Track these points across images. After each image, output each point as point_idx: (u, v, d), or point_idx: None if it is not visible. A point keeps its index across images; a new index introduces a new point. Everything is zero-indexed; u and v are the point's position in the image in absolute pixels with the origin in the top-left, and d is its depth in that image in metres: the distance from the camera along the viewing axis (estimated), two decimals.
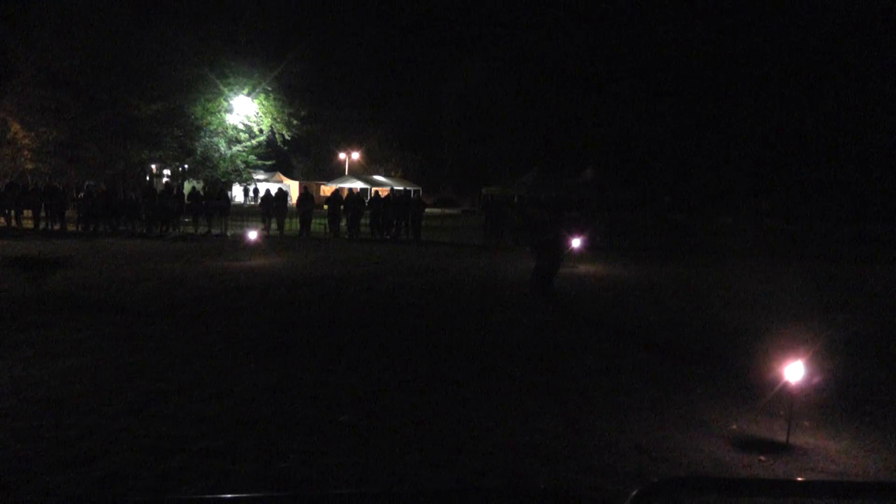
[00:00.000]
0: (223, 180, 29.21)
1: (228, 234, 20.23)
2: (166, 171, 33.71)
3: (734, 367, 6.30)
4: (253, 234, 15.08)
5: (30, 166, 28.23)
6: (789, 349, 4.67)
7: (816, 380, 5.34)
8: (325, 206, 22.64)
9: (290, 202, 24.90)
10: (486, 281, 11.98)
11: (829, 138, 37.36)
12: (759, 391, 5.46)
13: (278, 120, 29.22)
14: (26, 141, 27.64)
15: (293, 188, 43.89)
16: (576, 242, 14.81)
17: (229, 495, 1.29)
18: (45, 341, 6.49)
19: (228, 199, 23.39)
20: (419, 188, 45.69)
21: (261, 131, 29.48)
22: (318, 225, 22.30)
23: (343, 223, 21.83)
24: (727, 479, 3.60)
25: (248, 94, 28.50)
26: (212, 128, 28.15)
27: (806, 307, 10.11)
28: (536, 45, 51.71)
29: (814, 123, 37.82)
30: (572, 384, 5.68)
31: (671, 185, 38.55)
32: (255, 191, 44.95)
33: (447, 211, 43.09)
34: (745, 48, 42.32)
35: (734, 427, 4.76)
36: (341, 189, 29.24)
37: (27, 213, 20.84)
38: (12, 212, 20.78)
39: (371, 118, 53.94)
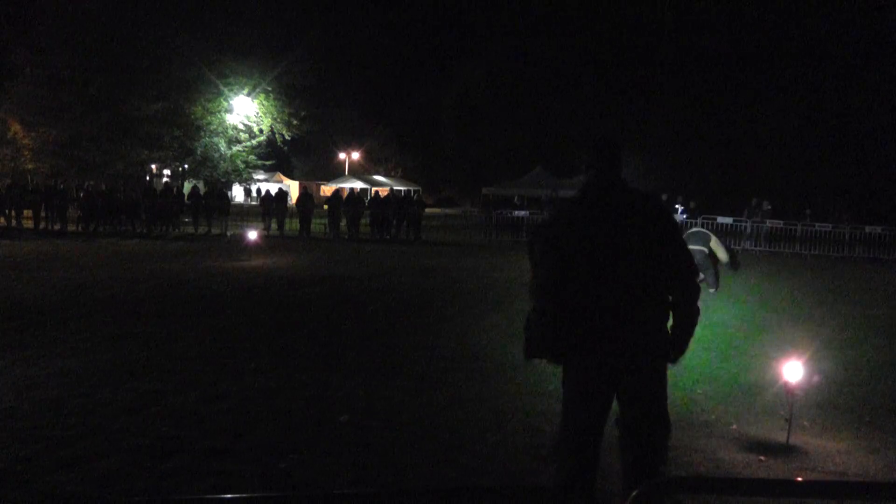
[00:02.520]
0: (223, 180, 29.22)
1: (228, 234, 20.24)
2: (166, 171, 33.72)
3: (734, 366, 6.30)
4: (253, 234, 15.08)
5: (30, 166, 28.23)
6: (789, 348, 4.67)
7: (816, 379, 5.34)
8: (325, 206, 22.65)
9: (290, 202, 24.91)
10: (486, 280, 11.97)
11: (831, 138, 37.38)
12: (759, 391, 5.47)
13: (278, 120, 29.23)
14: (26, 141, 27.66)
15: (293, 188, 43.90)
16: None
17: (229, 495, 1.29)
18: (45, 341, 6.49)
19: (228, 199, 23.41)
20: (419, 188, 45.68)
21: (261, 131, 29.49)
22: (318, 225, 22.30)
23: (343, 223, 21.84)
24: (727, 479, 3.60)
25: (248, 94, 28.50)
26: (212, 128, 28.16)
27: (806, 307, 10.11)
28: (536, 45, 51.74)
29: (815, 123, 37.83)
30: None
31: (670, 184, 38.53)
32: (258, 191, 44.98)
33: (447, 211, 43.09)
34: (745, 47, 42.32)
35: (734, 427, 4.75)
36: (341, 189, 29.24)
37: (27, 213, 20.85)
38: (12, 212, 20.78)
39: (371, 118, 53.97)
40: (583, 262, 2.72)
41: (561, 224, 2.84)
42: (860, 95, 36.60)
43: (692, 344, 3.15)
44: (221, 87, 27.64)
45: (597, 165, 2.89)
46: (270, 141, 30.35)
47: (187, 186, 28.23)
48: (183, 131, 27.60)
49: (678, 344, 2.88)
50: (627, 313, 2.73)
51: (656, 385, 2.86)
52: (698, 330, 3.16)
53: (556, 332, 2.77)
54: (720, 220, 20.68)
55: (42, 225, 20.33)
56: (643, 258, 2.73)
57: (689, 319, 2.87)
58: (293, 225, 22.02)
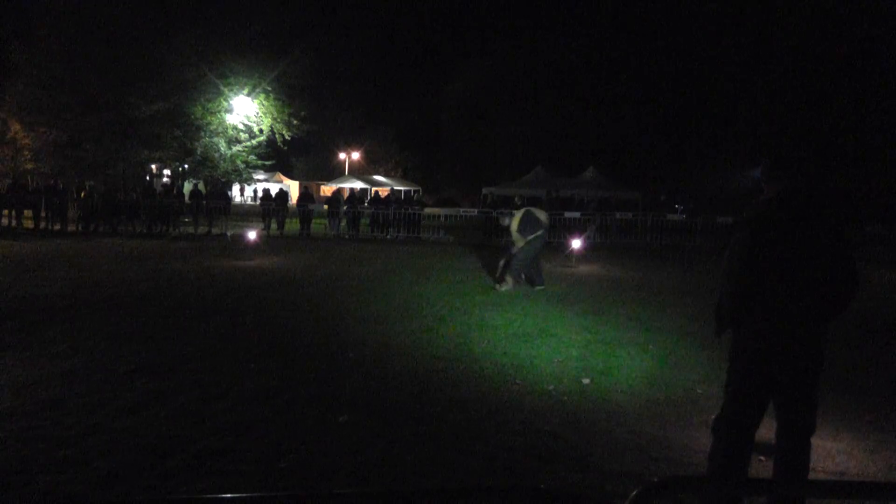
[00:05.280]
0: (223, 180, 29.22)
1: (228, 234, 20.24)
2: (166, 171, 33.72)
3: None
4: (253, 234, 15.08)
5: (30, 166, 28.22)
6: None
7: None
8: (325, 207, 22.66)
9: (290, 202, 24.92)
10: (486, 281, 11.96)
11: (830, 139, 37.40)
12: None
13: (278, 120, 29.23)
14: (26, 141, 27.66)
15: (293, 188, 43.91)
16: (576, 243, 14.85)
17: (229, 495, 1.29)
18: (45, 341, 6.49)
19: (229, 199, 23.42)
20: (419, 188, 45.67)
21: (261, 131, 29.49)
22: (318, 225, 22.30)
23: (343, 223, 21.85)
24: (727, 479, 3.59)
25: (248, 94, 28.50)
26: (212, 128, 28.15)
27: None
28: (536, 45, 51.75)
29: (815, 124, 37.85)
30: (572, 384, 5.68)
31: (670, 184, 38.61)
32: (255, 191, 44.89)
33: (447, 211, 43.10)
34: (745, 47, 42.33)
35: None
36: (341, 189, 29.24)
37: (27, 213, 20.83)
38: (12, 212, 20.77)
39: (371, 118, 54.00)
40: (774, 258, 3.22)
41: (756, 225, 3.32)
42: (856, 96, 36.63)
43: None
44: (221, 87, 27.64)
45: (785, 176, 3.34)
46: (270, 141, 30.34)
47: (187, 186, 28.22)
48: (183, 131, 27.59)
49: (833, 313, 3.29)
50: (806, 301, 3.21)
51: (815, 376, 3.31)
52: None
53: (740, 307, 3.30)
54: (720, 219, 20.68)
55: (42, 225, 20.31)
56: (822, 257, 3.22)
57: (843, 306, 3.29)
58: (293, 225, 22.01)
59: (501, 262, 10.96)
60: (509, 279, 10.56)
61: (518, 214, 10.65)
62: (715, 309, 3.41)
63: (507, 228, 10.89)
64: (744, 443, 3.33)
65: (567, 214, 21.39)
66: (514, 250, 10.61)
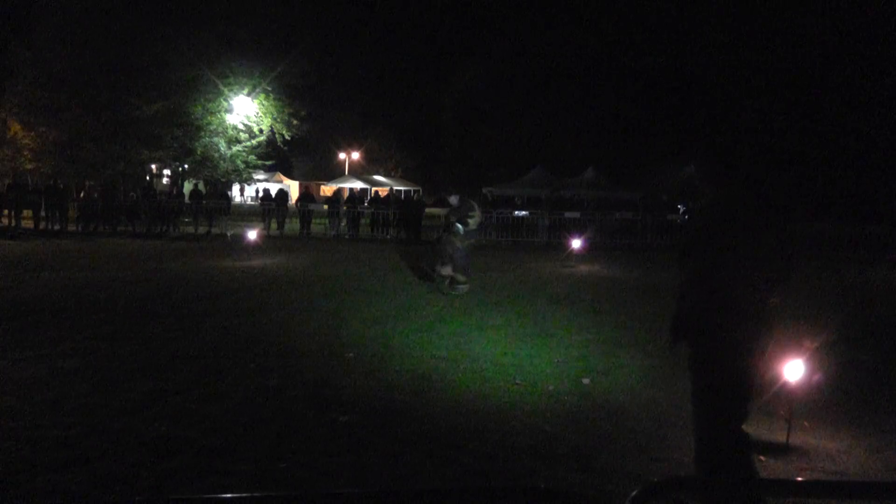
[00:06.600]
0: (223, 180, 29.25)
1: (228, 234, 20.24)
2: (166, 171, 33.72)
3: None
4: (253, 234, 15.08)
5: (30, 166, 28.22)
6: (788, 348, 4.66)
7: (816, 378, 5.33)
8: (325, 207, 22.67)
9: (290, 202, 24.93)
10: (486, 282, 11.96)
11: (828, 138, 37.41)
12: (759, 391, 5.45)
13: (278, 120, 29.23)
14: (26, 141, 27.66)
15: (293, 188, 43.89)
16: (576, 243, 14.86)
17: (229, 495, 1.30)
18: (45, 341, 6.49)
19: (229, 199, 23.43)
20: (419, 188, 45.67)
21: (261, 131, 29.49)
22: (318, 225, 22.30)
23: (343, 223, 21.86)
24: (727, 479, 3.59)
25: (248, 94, 28.50)
26: (212, 128, 28.17)
27: (806, 306, 10.10)
28: (536, 45, 51.77)
29: (813, 123, 37.86)
30: (572, 384, 5.68)
31: (672, 184, 38.58)
32: (257, 190, 44.87)
33: (447, 211, 43.10)
34: (745, 47, 42.35)
35: None
36: (341, 189, 29.26)
37: (27, 212, 20.82)
38: (12, 212, 20.76)
39: (371, 118, 53.96)
40: (736, 263, 3.15)
41: (715, 233, 3.25)
42: (847, 95, 36.70)
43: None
44: (221, 87, 27.64)
45: (729, 179, 3.29)
46: (270, 141, 30.34)
47: (188, 186, 28.22)
48: (183, 131, 27.60)
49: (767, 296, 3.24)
50: (759, 306, 3.16)
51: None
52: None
53: (709, 316, 3.18)
54: None
55: (42, 225, 20.31)
56: (770, 260, 3.18)
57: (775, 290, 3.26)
58: (293, 225, 22.02)
59: (443, 270, 10.73)
60: (460, 277, 10.38)
61: (456, 199, 10.97)
62: (672, 320, 3.28)
63: (451, 208, 11.06)
64: (750, 458, 3.20)
65: (567, 214, 21.37)
66: (451, 244, 10.61)
